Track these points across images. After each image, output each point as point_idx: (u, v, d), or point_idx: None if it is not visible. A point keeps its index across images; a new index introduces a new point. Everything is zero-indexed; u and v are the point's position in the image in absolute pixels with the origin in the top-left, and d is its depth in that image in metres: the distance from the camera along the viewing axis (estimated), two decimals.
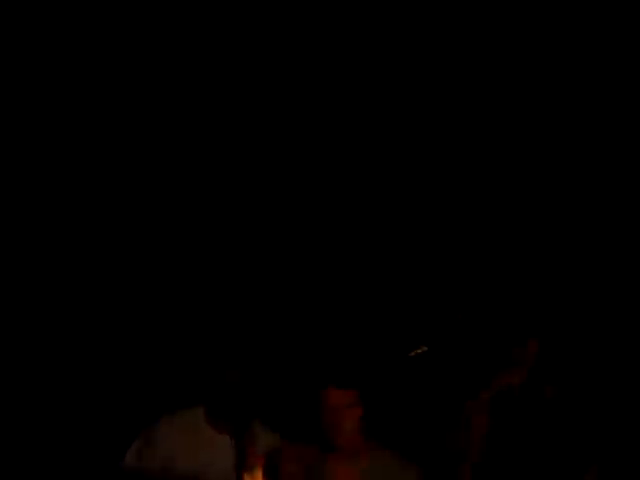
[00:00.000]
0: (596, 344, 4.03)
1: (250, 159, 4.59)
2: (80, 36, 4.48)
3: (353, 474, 3.12)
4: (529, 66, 4.48)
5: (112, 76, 4.53)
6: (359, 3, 4.52)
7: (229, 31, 4.56)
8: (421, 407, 3.97)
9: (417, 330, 4.04)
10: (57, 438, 4.27)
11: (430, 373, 3.94)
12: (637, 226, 4.26)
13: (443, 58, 4.53)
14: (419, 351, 3.73)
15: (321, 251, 4.49)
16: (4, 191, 4.48)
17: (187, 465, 3.39)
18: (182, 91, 4.59)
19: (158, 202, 4.54)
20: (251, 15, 4.54)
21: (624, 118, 4.40)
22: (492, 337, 3.52)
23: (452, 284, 4.30)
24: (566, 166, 4.39)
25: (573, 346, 3.82)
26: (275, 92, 4.60)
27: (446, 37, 4.51)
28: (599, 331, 4.08)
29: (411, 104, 4.57)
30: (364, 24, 4.54)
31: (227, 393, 3.39)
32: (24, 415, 4.29)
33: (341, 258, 4.48)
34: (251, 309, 4.35)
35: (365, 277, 4.46)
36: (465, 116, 4.52)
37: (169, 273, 4.48)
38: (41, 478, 4.17)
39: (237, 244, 4.50)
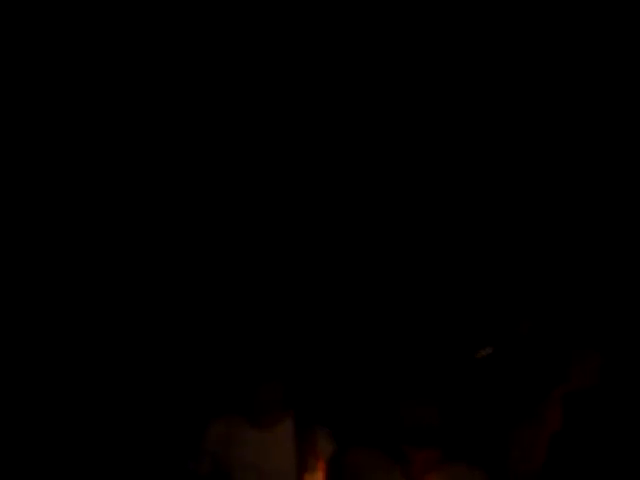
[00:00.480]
0: None
1: (264, 161, 4.62)
2: (80, 36, 4.49)
3: None
4: (529, 66, 4.50)
5: (112, 76, 4.54)
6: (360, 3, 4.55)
7: (229, 31, 4.57)
8: (489, 408, 3.88)
9: (485, 332, 4.00)
10: (128, 436, 4.50)
11: (500, 373, 3.86)
12: None
13: (443, 58, 4.55)
14: (484, 353, 3.70)
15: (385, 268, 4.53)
16: (4, 191, 4.49)
17: (244, 465, 3.44)
18: (182, 91, 4.60)
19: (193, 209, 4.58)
20: (251, 15, 4.56)
21: (624, 118, 4.43)
22: (564, 339, 3.51)
23: (521, 287, 4.29)
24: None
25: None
26: (275, 92, 4.61)
27: (446, 37, 4.53)
28: None
29: (411, 104, 4.60)
30: (364, 24, 4.56)
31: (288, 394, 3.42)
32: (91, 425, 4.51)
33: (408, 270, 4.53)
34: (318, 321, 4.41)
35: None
36: (471, 117, 4.55)
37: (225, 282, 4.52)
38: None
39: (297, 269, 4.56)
